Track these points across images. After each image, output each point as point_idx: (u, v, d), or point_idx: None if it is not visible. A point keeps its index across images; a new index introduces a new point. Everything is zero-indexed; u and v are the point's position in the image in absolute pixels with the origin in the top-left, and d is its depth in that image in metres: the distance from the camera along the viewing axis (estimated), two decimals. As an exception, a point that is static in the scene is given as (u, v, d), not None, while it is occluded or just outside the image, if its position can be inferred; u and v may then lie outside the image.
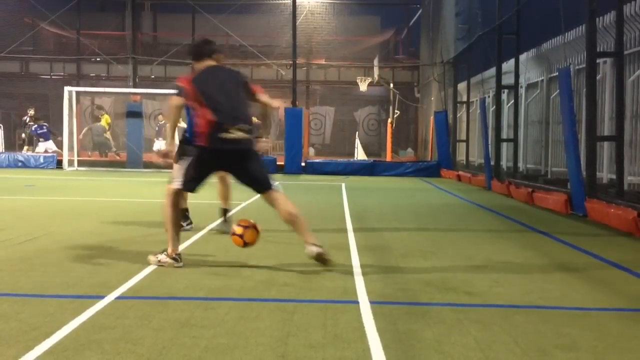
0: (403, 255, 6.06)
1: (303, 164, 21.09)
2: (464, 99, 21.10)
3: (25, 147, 23.47)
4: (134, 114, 21.53)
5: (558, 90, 11.69)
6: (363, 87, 26.67)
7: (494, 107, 16.53)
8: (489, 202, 11.95)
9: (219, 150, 5.15)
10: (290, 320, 3.76)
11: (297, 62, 23.01)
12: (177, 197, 5.31)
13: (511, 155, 15.78)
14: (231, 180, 6.78)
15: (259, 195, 5.50)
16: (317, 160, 22.30)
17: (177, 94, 5.24)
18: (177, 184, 5.26)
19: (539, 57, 15.51)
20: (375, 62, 26.38)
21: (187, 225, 7.36)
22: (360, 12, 29.52)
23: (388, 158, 24.80)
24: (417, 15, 30.11)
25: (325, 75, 30.95)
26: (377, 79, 26.35)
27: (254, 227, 5.40)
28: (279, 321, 3.74)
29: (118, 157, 22.77)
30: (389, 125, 25.55)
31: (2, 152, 22.26)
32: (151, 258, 5.28)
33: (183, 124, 7.57)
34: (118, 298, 4.21)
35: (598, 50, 10.68)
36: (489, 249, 6.57)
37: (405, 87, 29.75)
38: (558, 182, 12.77)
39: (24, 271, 4.98)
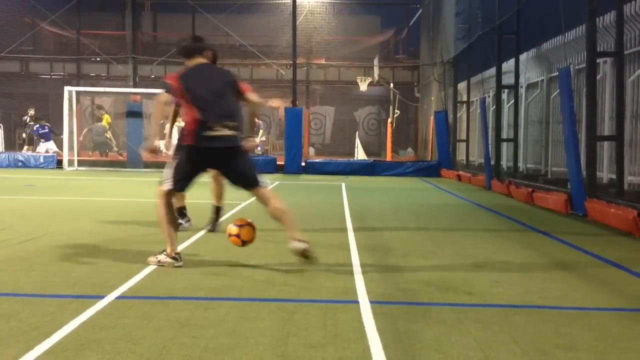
0: (403, 255, 6.07)
1: (303, 163, 21.09)
2: (464, 98, 21.10)
3: (25, 147, 23.47)
4: (134, 113, 21.54)
5: (558, 90, 11.69)
6: (363, 86, 26.67)
7: (494, 106, 16.53)
8: (489, 201, 11.95)
9: (205, 148, 5.18)
10: (290, 320, 3.76)
11: (297, 62, 23.00)
12: (170, 198, 5.33)
13: (511, 155, 15.78)
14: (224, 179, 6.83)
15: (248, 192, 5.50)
16: (317, 160, 22.30)
17: (164, 91, 5.26)
18: (167, 184, 5.28)
19: (539, 56, 15.51)
20: (376, 62, 26.38)
21: (186, 222, 7.38)
22: (360, 12, 29.52)
23: (388, 158, 24.79)
24: (417, 15, 30.12)
25: (325, 75, 30.95)
26: (377, 78, 26.35)
27: (249, 224, 5.41)
28: (279, 321, 3.74)
29: (121, 157, 22.75)
30: (389, 125, 25.55)
31: (2, 152, 22.26)
32: (151, 259, 5.28)
33: (182, 123, 7.56)
34: (118, 298, 4.21)
35: (598, 50, 10.68)
36: (489, 249, 6.57)
37: (405, 87, 29.75)
38: (558, 181, 12.77)
39: (24, 271, 4.98)
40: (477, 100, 18.42)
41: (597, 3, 9.75)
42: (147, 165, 19.91)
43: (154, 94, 25.76)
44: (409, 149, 30.75)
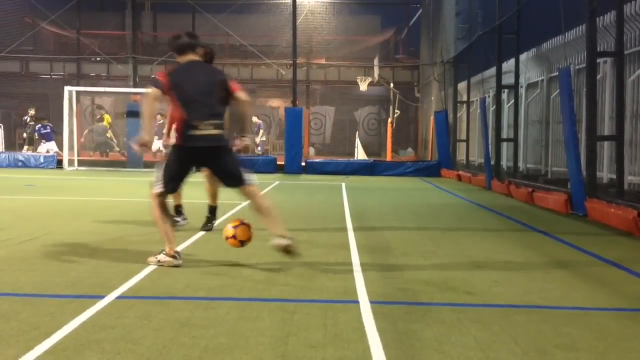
0: (403, 255, 6.07)
1: (303, 163, 21.09)
2: (464, 98, 21.10)
3: (26, 147, 23.46)
4: (134, 113, 21.51)
5: (558, 90, 11.69)
6: (363, 86, 26.67)
7: (494, 106, 16.53)
8: (489, 201, 11.95)
9: (191, 148, 5.24)
10: (290, 320, 3.76)
11: (297, 61, 23.01)
12: (163, 199, 5.36)
13: (511, 155, 15.78)
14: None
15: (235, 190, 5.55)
16: (317, 160, 22.30)
17: (153, 86, 5.29)
18: (158, 187, 5.32)
19: (539, 56, 15.51)
20: (376, 61, 26.38)
21: (182, 220, 7.38)
22: (360, 11, 29.51)
23: (388, 158, 24.79)
24: (417, 15, 30.11)
25: (325, 75, 30.95)
26: (377, 78, 26.35)
27: (243, 223, 5.43)
28: (279, 321, 3.74)
29: (124, 157, 22.73)
30: (389, 124, 25.55)
31: (2, 152, 22.26)
32: (150, 259, 5.28)
33: None
34: (118, 298, 4.22)
35: (598, 49, 10.68)
36: (489, 249, 6.57)
37: (406, 87, 29.74)
38: (558, 181, 12.77)
39: (24, 271, 4.98)
40: (477, 100, 18.42)
41: (597, 3, 9.75)
42: (148, 165, 19.92)
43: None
44: (409, 149, 30.75)
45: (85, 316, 3.76)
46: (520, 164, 16.23)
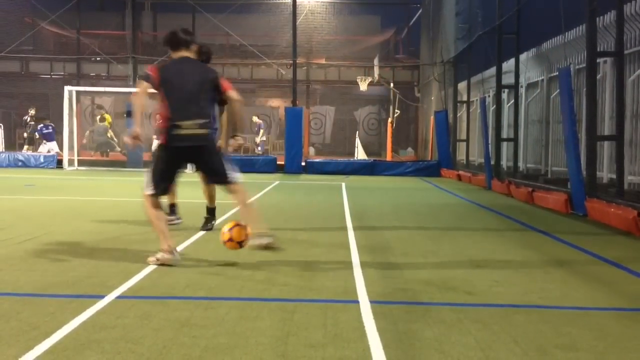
0: (403, 255, 6.07)
1: (303, 163, 21.09)
2: (464, 98, 21.10)
3: (26, 147, 23.46)
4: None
5: (558, 90, 11.69)
6: (363, 86, 26.68)
7: (494, 106, 16.53)
8: (489, 201, 11.95)
9: (176, 147, 5.28)
10: (290, 320, 3.76)
11: (297, 61, 23.01)
12: (155, 200, 5.39)
13: (511, 155, 15.78)
14: None
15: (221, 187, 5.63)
16: (317, 160, 22.30)
17: (144, 80, 5.32)
18: (149, 190, 5.36)
19: (539, 56, 15.51)
20: (376, 61, 26.39)
21: (176, 220, 7.37)
22: (360, 11, 29.51)
23: (388, 157, 24.80)
24: (417, 14, 30.11)
25: (325, 74, 30.95)
26: (377, 78, 26.36)
27: (237, 224, 5.45)
28: (279, 321, 3.74)
29: (124, 157, 22.71)
30: (389, 124, 25.55)
31: (2, 152, 22.25)
32: (150, 259, 5.28)
33: None
34: (118, 298, 4.22)
35: (598, 49, 10.68)
36: (489, 249, 6.57)
37: (406, 87, 29.74)
38: (558, 181, 12.77)
39: (24, 271, 4.98)
40: (477, 100, 18.42)
41: (597, 3, 9.75)
42: (148, 164, 19.91)
43: (154, 94, 25.85)
44: (409, 149, 30.75)
45: (85, 316, 3.76)
46: (520, 164, 16.23)
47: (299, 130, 21.36)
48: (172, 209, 7.43)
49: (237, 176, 5.49)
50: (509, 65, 15.82)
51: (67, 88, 21.43)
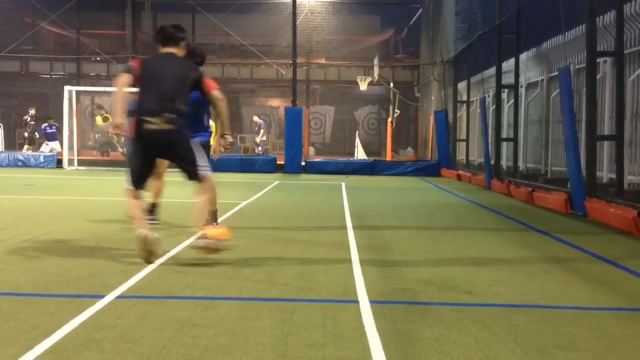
0: (403, 254, 6.06)
1: (303, 163, 21.10)
2: (464, 98, 21.10)
3: (26, 147, 23.45)
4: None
5: (558, 90, 11.69)
6: (363, 86, 26.68)
7: (494, 106, 16.53)
8: (489, 201, 11.95)
9: (145, 142, 5.34)
10: (290, 320, 3.76)
11: (297, 61, 23.01)
12: (134, 194, 5.47)
13: (511, 155, 15.78)
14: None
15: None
16: (317, 160, 22.31)
17: (125, 72, 5.36)
18: (126, 184, 5.46)
19: (539, 56, 15.51)
20: (376, 61, 26.40)
21: (154, 222, 7.35)
22: (360, 11, 29.52)
23: (388, 157, 24.80)
24: (417, 14, 30.12)
25: (325, 74, 30.96)
26: (377, 78, 26.36)
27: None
28: (279, 321, 3.74)
29: (124, 157, 22.72)
30: (389, 124, 25.55)
31: (2, 152, 22.25)
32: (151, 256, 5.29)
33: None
34: (118, 297, 4.21)
35: (598, 49, 10.68)
36: (489, 248, 6.57)
37: (406, 87, 29.75)
38: (558, 181, 12.77)
39: (24, 271, 4.98)
40: (477, 99, 18.42)
41: (597, 3, 9.75)
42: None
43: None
44: (409, 149, 30.76)
45: (85, 316, 3.76)
46: (520, 164, 16.24)
47: (298, 130, 21.36)
48: (151, 208, 7.40)
49: (208, 173, 5.53)
50: (508, 65, 15.82)
51: (67, 88, 21.45)
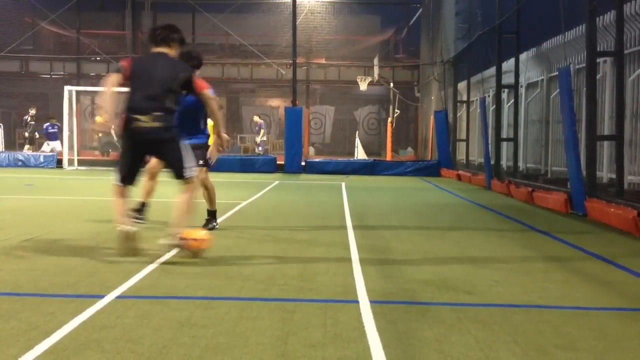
0: (403, 255, 6.06)
1: (303, 163, 21.10)
2: (464, 98, 21.10)
3: (26, 147, 23.45)
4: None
5: (558, 90, 11.69)
6: (363, 86, 26.68)
7: (494, 106, 16.53)
8: (489, 201, 11.95)
9: (134, 139, 5.39)
10: (290, 320, 3.76)
11: (297, 61, 23.01)
12: (121, 191, 5.58)
13: (511, 155, 15.78)
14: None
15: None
16: (317, 160, 22.31)
17: (115, 71, 5.40)
18: (115, 180, 5.56)
19: (539, 56, 15.51)
20: (376, 61, 26.39)
21: (139, 220, 7.35)
22: (360, 11, 29.53)
23: (388, 157, 24.80)
24: (417, 14, 30.13)
25: (325, 74, 30.96)
26: (377, 78, 26.36)
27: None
28: (279, 320, 3.74)
29: None
30: (389, 124, 25.55)
31: (2, 152, 22.25)
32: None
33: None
34: (118, 297, 4.21)
35: (598, 49, 10.68)
36: (489, 248, 6.57)
37: (406, 87, 29.75)
38: (558, 181, 12.77)
39: (24, 271, 4.98)
40: (477, 99, 18.42)
41: (597, 3, 9.75)
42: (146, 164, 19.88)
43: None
44: (409, 149, 30.76)
45: (85, 316, 3.76)
46: (520, 164, 16.24)
47: (298, 130, 21.36)
48: (139, 207, 7.40)
49: (193, 174, 5.56)
50: (508, 65, 15.82)
51: (67, 88, 21.44)
